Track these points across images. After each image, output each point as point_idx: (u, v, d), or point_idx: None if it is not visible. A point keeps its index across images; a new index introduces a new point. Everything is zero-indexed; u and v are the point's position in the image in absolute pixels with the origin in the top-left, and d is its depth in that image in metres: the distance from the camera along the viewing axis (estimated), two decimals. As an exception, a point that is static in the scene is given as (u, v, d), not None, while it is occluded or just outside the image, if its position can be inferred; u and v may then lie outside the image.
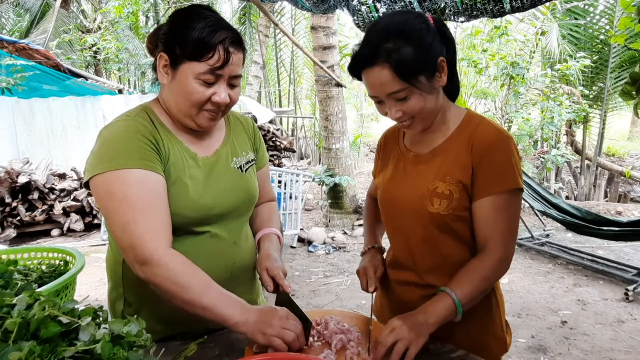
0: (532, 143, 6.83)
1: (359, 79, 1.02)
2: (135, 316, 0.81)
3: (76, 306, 0.80)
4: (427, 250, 1.10)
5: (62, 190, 5.48)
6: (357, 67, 0.99)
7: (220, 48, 0.97)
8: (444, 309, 0.96)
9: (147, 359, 0.78)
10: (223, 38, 0.98)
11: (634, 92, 1.89)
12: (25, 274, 1.21)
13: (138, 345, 0.78)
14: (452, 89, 1.11)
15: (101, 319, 0.81)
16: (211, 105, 1.02)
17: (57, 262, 1.31)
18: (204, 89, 0.99)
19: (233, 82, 1.04)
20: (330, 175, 5.53)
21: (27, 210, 5.23)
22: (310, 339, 1.03)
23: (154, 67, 1.05)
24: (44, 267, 1.28)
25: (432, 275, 1.11)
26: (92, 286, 3.76)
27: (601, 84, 7.36)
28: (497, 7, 2.30)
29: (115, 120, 1.05)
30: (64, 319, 0.71)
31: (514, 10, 2.28)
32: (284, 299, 1.06)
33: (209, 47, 0.96)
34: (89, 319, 0.74)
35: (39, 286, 1.10)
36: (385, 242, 1.24)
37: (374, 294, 1.17)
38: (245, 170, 1.18)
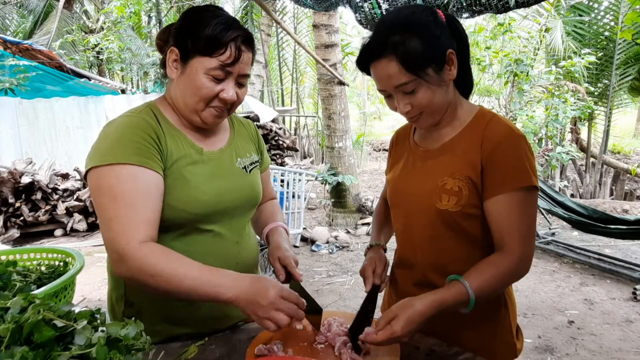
0: (537, 141, 6.78)
1: (368, 73, 1.01)
2: (133, 318, 0.79)
3: (73, 308, 0.78)
4: (433, 249, 1.07)
5: (65, 190, 5.48)
6: (365, 60, 0.99)
7: (232, 45, 0.98)
8: (454, 295, 0.92)
9: (146, 363, 0.76)
10: (235, 36, 0.99)
11: (642, 88, 1.84)
12: (24, 275, 1.20)
13: (136, 349, 0.76)
14: (465, 85, 1.09)
15: (99, 321, 0.79)
16: (218, 102, 1.03)
17: (56, 262, 1.29)
18: (213, 85, 1.00)
19: (241, 80, 1.04)
20: (333, 174, 5.50)
21: (30, 210, 5.24)
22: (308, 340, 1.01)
23: (163, 63, 1.06)
24: (43, 268, 1.27)
25: (438, 274, 1.07)
26: (95, 286, 3.75)
27: (606, 81, 7.30)
28: (501, 3, 2.26)
29: (118, 117, 1.05)
30: (59, 323, 0.69)
31: (518, 5, 2.24)
32: (296, 288, 1.07)
33: (221, 43, 0.98)
34: (85, 322, 0.71)
35: (38, 287, 1.08)
36: (392, 244, 1.21)
37: (380, 293, 1.16)
38: (250, 171, 1.18)
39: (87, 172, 0.98)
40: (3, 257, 1.26)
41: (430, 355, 1.03)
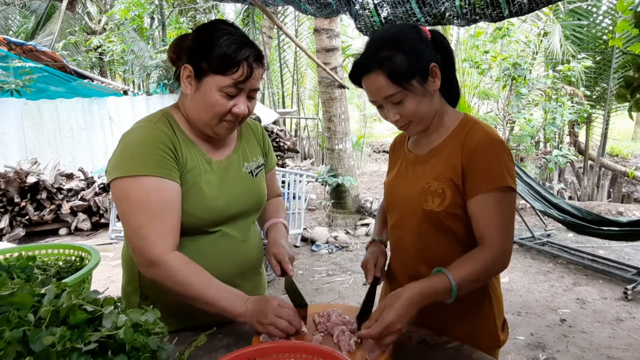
0: (534, 143, 6.86)
1: (360, 86, 1.11)
2: (152, 306, 0.88)
3: (98, 296, 0.87)
4: (422, 247, 1.16)
5: (69, 190, 5.57)
6: (357, 75, 1.09)
7: (244, 64, 1.04)
8: (438, 285, 1.00)
9: (164, 346, 0.85)
10: (248, 55, 1.04)
11: (628, 95, 1.94)
12: (44, 269, 1.27)
13: (155, 333, 0.85)
14: (452, 94, 1.18)
15: (120, 309, 0.88)
16: (231, 116, 1.09)
17: (73, 258, 1.37)
18: (226, 101, 1.06)
19: (252, 94, 1.11)
20: (334, 176, 5.59)
21: (35, 209, 5.32)
22: (304, 329, 1.10)
23: (177, 77, 1.11)
24: (60, 263, 1.34)
25: (428, 271, 1.14)
26: (100, 284, 3.83)
27: (604, 84, 7.38)
28: (495, 12, 2.35)
29: (137, 125, 1.11)
30: (89, 307, 0.78)
31: (512, 14, 2.33)
32: (288, 282, 1.17)
33: (234, 62, 1.03)
34: (112, 307, 0.80)
35: (58, 281, 1.16)
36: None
37: (379, 285, 1.24)
38: (256, 175, 1.25)
39: (111, 180, 1.05)
40: (23, 253, 1.34)
41: (422, 343, 1.12)
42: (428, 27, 1.11)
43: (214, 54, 1.03)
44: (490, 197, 1.05)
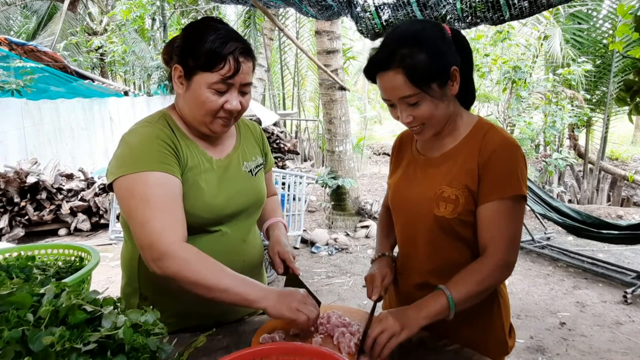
0: (534, 147, 6.87)
1: (374, 82, 1.04)
2: (151, 307, 0.88)
3: (97, 297, 0.87)
4: (431, 252, 1.13)
5: (69, 190, 5.56)
6: (373, 70, 1.02)
7: (230, 58, 1.02)
8: (436, 305, 0.98)
9: (163, 347, 0.85)
10: (233, 49, 1.03)
11: (628, 99, 1.94)
12: (43, 269, 1.27)
13: (154, 334, 0.85)
14: (468, 97, 1.13)
15: (119, 309, 0.87)
16: (224, 113, 1.09)
17: (72, 258, 1.37)
18: (217, 98, 1.05)
19: (244, 89, 1.09)
20: (334, 178, 5.59)
21: (35, 209, 5.32)
22: (312, 330, 1.09)
23: (170, 78, 1.11)
24: (60, 263, 1.33)
25: (436, 276, 1.12)
26: (100, 285, 3.83)
27: (604, 88, 7.39)
28: (496, 15, 2.35)
29: (137, 126, 1.11)
30: (89, 308, 0.78)
31: (512, 18, 2.33)
32: (293, 280, 1.16)
33: (220, 58, 1.02)
34: (111, 307, 0.80)
35: (57, 281, 1.16)
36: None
37: (379, 302, 1.19)
38: (255, 174, 1.25)
39: (114, 179, 1.03)
40: (22, 253, 1.34)
41: (420, 346, 1.11)
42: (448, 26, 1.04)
43: (200, 51, 1.02)
44: (502, 205, 1.02)
